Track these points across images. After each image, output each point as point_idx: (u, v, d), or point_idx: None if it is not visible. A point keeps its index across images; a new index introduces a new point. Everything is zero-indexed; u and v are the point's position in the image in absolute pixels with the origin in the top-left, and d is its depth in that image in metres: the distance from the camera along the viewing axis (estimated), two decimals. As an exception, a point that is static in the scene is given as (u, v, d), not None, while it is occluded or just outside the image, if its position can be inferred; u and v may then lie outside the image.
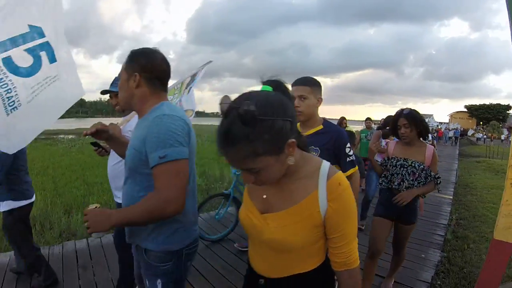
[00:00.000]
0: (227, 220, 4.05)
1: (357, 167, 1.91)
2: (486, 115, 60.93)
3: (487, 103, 63.70)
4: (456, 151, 18.59)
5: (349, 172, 1.83)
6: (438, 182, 2.38)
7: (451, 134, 27.53)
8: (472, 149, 22.09)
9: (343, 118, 6.89)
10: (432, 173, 2.36)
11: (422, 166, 2.33)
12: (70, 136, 23.11)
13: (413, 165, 2.35)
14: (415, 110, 2.38)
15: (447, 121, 51.38)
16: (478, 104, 65.55)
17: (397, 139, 2.56)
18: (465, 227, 4.69)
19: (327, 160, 0.97)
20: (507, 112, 60.46)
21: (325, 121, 1.94)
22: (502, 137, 32.35)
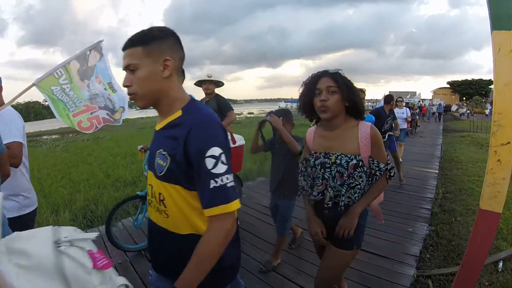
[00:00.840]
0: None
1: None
2: (468, 90, 61.80)
3: (469, 78, 64.64)
4: (440, 127, 18.95)
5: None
6: (391, 174, 1.60)
7: (434, 109, 26.99)
8: (456, 124, 22.44)
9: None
10: (380, 165, 1.55)
11: (354, 161, 1.51)
12: (53, 136, 22.65)
13: (338, 161, 1.53)
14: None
15: (431, 97, 51.96)
16: (460, 80, 66.43)
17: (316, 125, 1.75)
18: (451, 200, 4.76)
19: None
20: (489, 87, 61.35)
21: None
22: (487, 112, 32.67)
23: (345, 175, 1.52)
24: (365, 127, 1.54)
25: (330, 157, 1.56)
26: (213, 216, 0.99)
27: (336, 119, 1.55)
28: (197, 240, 1.01)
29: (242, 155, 3.98)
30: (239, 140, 3.78)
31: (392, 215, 3.87)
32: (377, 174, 1.56)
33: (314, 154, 1.63)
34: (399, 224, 3.60)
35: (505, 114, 1.56)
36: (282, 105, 77.16)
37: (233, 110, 3.45)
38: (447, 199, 4.82)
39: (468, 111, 30.78)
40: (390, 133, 4.98)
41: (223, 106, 3.39)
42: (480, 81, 63.58)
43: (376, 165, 1.55)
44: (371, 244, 3.04)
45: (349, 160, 1.51)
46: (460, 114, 31.89)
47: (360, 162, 1.52)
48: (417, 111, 17.64)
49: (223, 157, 1.00)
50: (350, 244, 1.61)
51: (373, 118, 4.32)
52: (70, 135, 22.22)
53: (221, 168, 0.98)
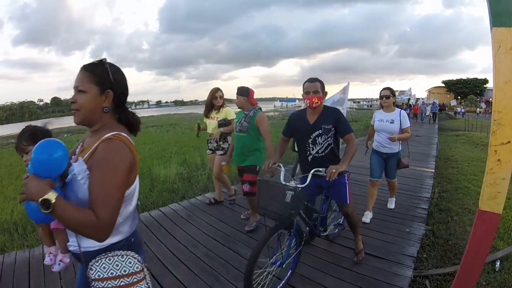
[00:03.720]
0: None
1: None
2: (463, 89, 62.04)
3: (464, 78, 64.90)
4: (436, 127, 17.98)
5: None
6: None
7: (428, 110, 22.70)
8: (451, 123, 22.51)
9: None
10: None
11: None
12: (46, 137, 22.34)
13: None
14: None
15: (425, 96, 52.10)
16: (455, 79, 66.69)
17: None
18: (447, 199, 4.75)
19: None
20: (484, 86, 61.72)
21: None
22: (478, 110, 32.77)
23: None
24: None
25: None
26: None
27: None
28: None
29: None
30: None
31: (389, 215, 3.84)
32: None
33: None
34: (395, 224, 3.57)
35: (505, 113, 1.53)
36: (278, 104, 77.02)
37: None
38: (443, 198, 4.80)
39: (464, 110, 30.89)
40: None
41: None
42: (475, 80, 63.96)
43: None
44: (368, 244, 3.00)
45: None
46: (455, 113, 32.03)
47: None
48: (407, 111, 12.56)
49: None
50: None
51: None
52: (65, 135, 21.99)
53: None
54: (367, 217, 3.64)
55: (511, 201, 4.24)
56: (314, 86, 2.43)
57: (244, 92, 3.31)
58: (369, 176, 3.81)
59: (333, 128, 2.47)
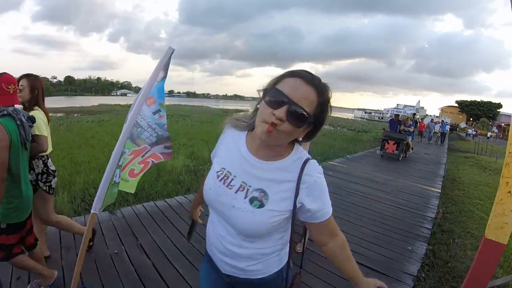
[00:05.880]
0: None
1: None
2: (476, 111, 61.62)
3: (478, 99, 64.52)
4: (444, 149, 16.69)
5: None
6: None
7: (436, 128, 20.15)
8: (461, 144, 22.33)
9: None
10: None
11: None
12: (58, 114, 22.72)
13: None
14: None
15: (438, 114, 51.67)
16: (469, 100, 66.20)
17: None
18: (451, 221, 4.74)
19: None
20: (498, 110, 61.19)
21: None
22: (489, 134, 32.33)
23: None
24: None
25: None
26: None
27: None
28: None
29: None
30: None
31: (393, 231, 3.87)
32: None
33: None
34: (399, 241, 3.59)
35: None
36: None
37: None
38: (447, 220, 4.79)
39: (474, 132, 30.55)
40: None
41: None
42: (489, 103, 63.34)
43: None
44: (369, 258, 3.04)
45: None
46: (466, 135, 31.68)
47: None
48: (411, 128, 11.27)
49: None
50: None
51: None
52: (75, 115, 22.28)
53: None
54: None
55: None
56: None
57: None
58: (375, 190, 3.85)
59: None
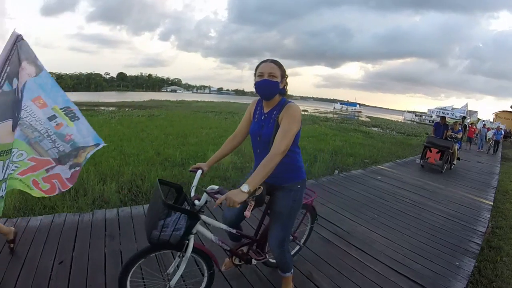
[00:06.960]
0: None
1: None
2: (534, 117, 56.06)
3: (537, 104, 58.41)
4: (498, 159, 14.94)
5: None
6: None
7: (490, 135, 17.78)
8: (515, 153, 20.47)
9: None
10: None
11: None
12: (110, 108, 24.17)
13: None
14: None
15: (491, 119, 47.66)
16: (527, 105, 60.29)
17: None
18: (500, 237, 4.38)
19: None
20: (559, 116, 55.14)
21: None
22: None
23: None
24: None
25: None
26: None
27: None
28: None
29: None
30: None
31: (441, 244, 3.66)
32: None
33: None
34: (446, 255, 3.38)
35: None
36: (337, 106, 75.14)
37: None
38: (496, 235, 4.43)
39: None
40: None
41: None
42: (549, 109, 57.24)
43: None
44: (415, 272, 2.90)
45: None
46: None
47: None
48: (460, 133, 9.48)
49: None
50: None
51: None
52: (127, 109, 23.51)
53: None
54: None
55: None
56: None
57: None
58: (424, 198, 3.62)
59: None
